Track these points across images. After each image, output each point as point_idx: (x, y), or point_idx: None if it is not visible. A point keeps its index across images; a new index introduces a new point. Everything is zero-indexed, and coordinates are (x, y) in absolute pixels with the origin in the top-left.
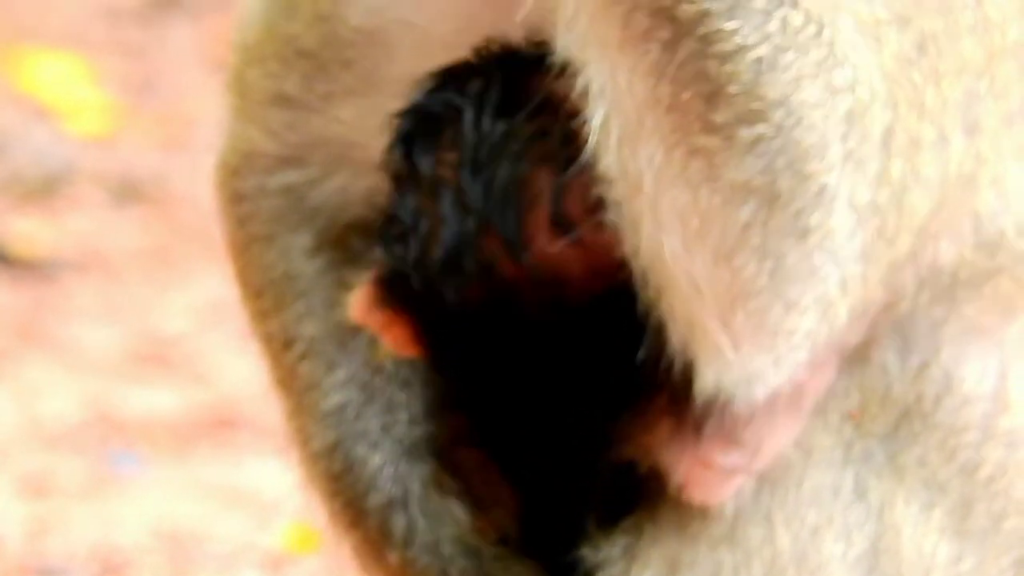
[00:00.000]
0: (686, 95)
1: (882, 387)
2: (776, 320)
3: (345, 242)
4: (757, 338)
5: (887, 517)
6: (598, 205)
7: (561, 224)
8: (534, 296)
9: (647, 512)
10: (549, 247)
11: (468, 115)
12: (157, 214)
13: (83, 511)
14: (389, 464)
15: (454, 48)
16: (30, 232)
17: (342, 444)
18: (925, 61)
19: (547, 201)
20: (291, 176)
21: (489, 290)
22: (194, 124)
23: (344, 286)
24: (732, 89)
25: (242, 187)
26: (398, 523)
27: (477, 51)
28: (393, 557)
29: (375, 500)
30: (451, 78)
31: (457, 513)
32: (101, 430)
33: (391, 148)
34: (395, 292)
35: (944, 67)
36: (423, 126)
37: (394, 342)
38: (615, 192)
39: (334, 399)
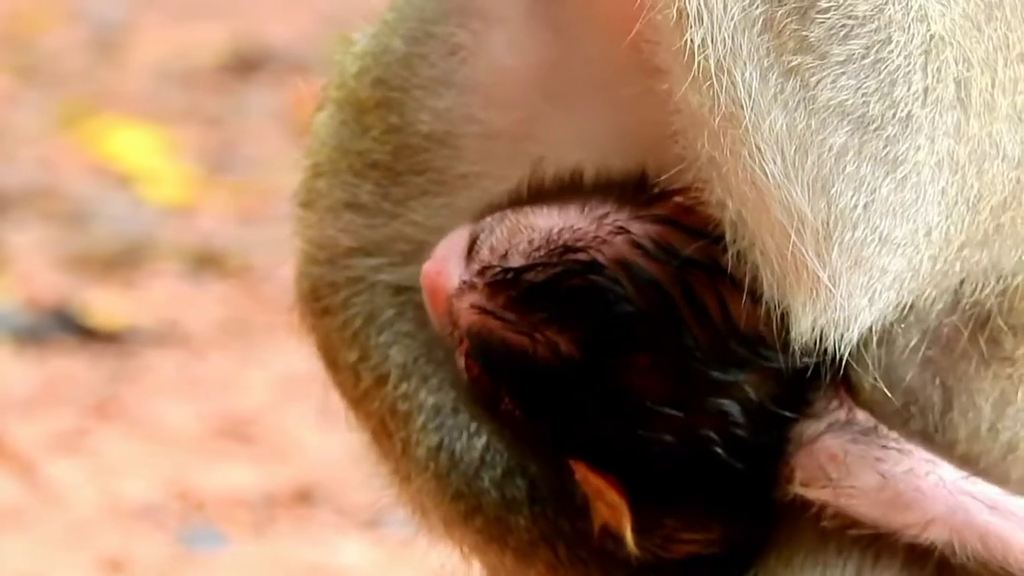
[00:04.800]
0: (780, 12)
1: None
2: (871, 255)
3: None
4: (854, 274)
5: None
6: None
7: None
8: None
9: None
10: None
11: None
12: (236, 286)
13: None
14: (494, 442)
15: (518, 139)
16: (109, 303)
17: (445, 443)
18: (994, 29)
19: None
20: (369, 261)
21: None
22: (273, 194)
23: (423, 308)
24: (824, 3)
25: (319, 275)
26: (519, 485)
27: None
28: (521, 520)
29: (489, 475)
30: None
31: None
32: (180, 507)
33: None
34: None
35: (1013, 40)
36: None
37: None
38: (710, 129)
39: (431, 403)
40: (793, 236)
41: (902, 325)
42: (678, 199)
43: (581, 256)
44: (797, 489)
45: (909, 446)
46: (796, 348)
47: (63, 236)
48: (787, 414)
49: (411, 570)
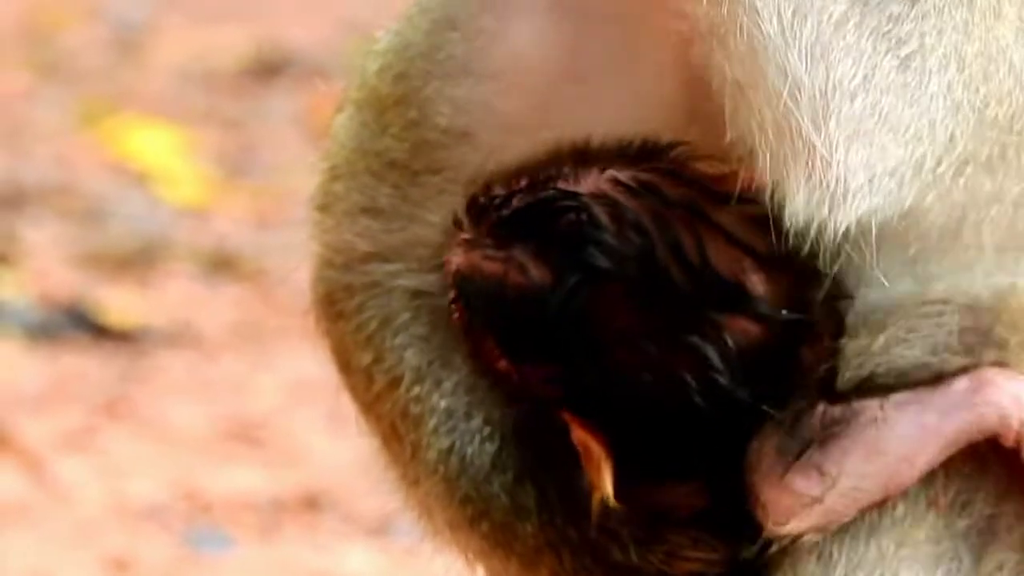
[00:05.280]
0: None
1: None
2: (871, 130)
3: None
4: (852, 146)
5: None
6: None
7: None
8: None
9: None
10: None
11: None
12: (250, 289)
13: None
14: (506, 447)
15: (535, 130)
16: (122, 302)
17: (456, 446)
18: None
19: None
20: (386, 267)
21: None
22: (290, 197)
23: (440, 311)
24: None
25: (335, 279)
26: (529, 492)
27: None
28: (528, 527)
29: (500, 480)
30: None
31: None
32: (186, 509)
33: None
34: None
35: None
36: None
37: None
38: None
39: (443, 406)
40: (789, 102)
41: (902, 320)
42: (673, 153)
43: (561, 185)
44: (780, 531)
45: (885, 402)
46: (790, 231)
47: (78, 233)
48: (770, 369)
49: None
